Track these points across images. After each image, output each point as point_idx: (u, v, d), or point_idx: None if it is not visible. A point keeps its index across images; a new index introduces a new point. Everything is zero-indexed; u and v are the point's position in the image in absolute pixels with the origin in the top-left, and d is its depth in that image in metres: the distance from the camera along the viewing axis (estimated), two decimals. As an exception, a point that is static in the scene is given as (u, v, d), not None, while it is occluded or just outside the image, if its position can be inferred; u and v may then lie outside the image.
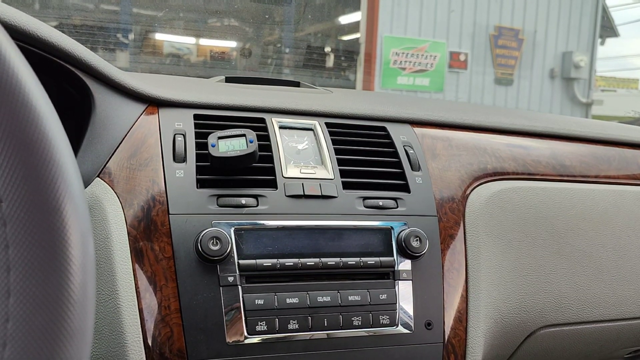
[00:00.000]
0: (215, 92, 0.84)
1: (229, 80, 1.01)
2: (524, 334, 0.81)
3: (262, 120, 0.79)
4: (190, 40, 6.95)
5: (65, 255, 0.31)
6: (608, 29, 7.71)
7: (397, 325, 0.70)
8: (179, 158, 0.71)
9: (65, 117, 0.74)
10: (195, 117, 0.77)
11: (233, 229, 0.67)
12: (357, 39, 6.97)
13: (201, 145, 0.73)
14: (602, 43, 7.74)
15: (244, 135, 0.71)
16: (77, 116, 0.78)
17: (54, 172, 0.31)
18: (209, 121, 0.77)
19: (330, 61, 7.04)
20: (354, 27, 6.84)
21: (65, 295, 0.31)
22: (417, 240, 0.72)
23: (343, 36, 7.21)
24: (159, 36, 6.71)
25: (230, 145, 0.71)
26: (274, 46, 7.06)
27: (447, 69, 6.60)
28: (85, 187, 0.68)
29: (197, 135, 0.74)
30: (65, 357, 0.31)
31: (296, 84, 1.05)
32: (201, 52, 6.97)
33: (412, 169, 0.80)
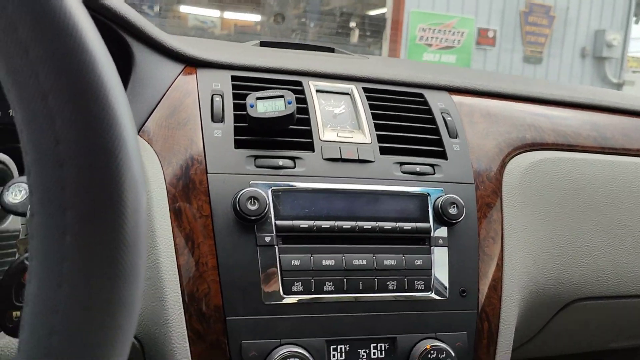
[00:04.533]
0: (253, 54, 0.84)
1: (263, 44, 1.00)
2: (558, 306, 0.80)
3: (299, 84, 0.78)
4: (214, 13, 6.92)
5: (120, 197, 0.31)
6: (644, 7, 7.47)
7: (432, 291, 0.69)
8: (217, 118, 0.71)
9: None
10: (233, 78, 0.76)
11: (270, 189, 0.67)
12: (384, 14, 6.86)
13: (239, 106, 0.73)
14: (637, 22, 7.50)
15: (282, 96, 0.71)
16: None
17: (110, 115, 0.31)
18: (246, 82, 0.76)
19: (354, 36, 6.96)
20: (380, 2, 6.74)
21: (119, 236, 0.31)
22: (454, 207, 0.71)
23: (369, 11, 7.11)
24: (183, 9, 6.71)
25: (269, 106, 0.70)
26: (298, 20, 6.99)
27: (475, 45, 6.48)
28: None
29: (235, 97, 0.74)
30: (119, 295, 0.31)
31: (331, 50, 1.04)
32: (225, 25, 6.95)
33: (450, 136, 0.79)
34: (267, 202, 0.65)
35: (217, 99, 0.73)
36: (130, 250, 0.31)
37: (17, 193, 0.53)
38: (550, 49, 6.78)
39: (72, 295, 0.30)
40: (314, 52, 1.00)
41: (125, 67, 0.74)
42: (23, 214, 0.52)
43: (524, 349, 0.89)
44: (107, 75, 0.32)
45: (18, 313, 0.52)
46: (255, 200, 0.65)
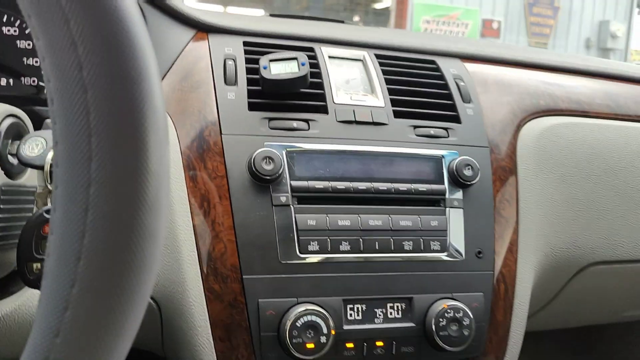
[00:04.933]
0: (264, 21, 0.83)
1: (273, 16, 1.00)
2: (573, 270, 0.80)
3: (311, 50, 0.78)
4: (218, 8, 6.92)
5: (143, 125, 0.31)
6: (648, -3, 7.44)
7: (448, 252, 0.69)
8: (230, 81, 0.71)
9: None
10: (245, 44, 0.76)
11: (285, 150, 0.67)
12: (387, 7, 6.85)
13: (251, 70, 0.72)
14: (641, 12, 7.46)
15: (295, 58, 0.71)
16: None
17: (133, 43, 0.31)
18: (258, 48, 0.76)
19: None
20: (384, -6, 6.72)
21: (143, 163, 0.30)
22: (469, 168, 0.71)
23: (373, 4, 7.10)
24: (187, 2, 6.71)
25: (282, 68, 0.70)
26: (302, 14, 6.99)
27: (479, 37, 6.46)
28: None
29: (247, 61, 0.74)
30: (144, 224, 0.31)
31: (340, 22, 1.04)
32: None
33: (464, 101, 0.78)
34: (282, 162, 0.65)
35: (229, 62, 0.73)
36: (154, 177, 0.31)
37: (33, 147, 0.53)
38: (555, 40, 6.76)
39: (97, 221, 0.30)
40: (325, 21, 1.00)
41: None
42: (40, 167, 0.52)
43: (540, 317, 0.89)
44: (131, 5, 0.31)
45: (39, 265, 0.52)
46: (271, 160, 0.64)
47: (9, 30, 0.75)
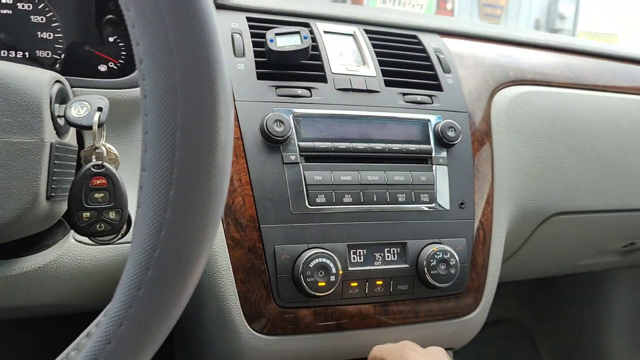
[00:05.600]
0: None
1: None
2: (540, 219, 0.91)
3: (307, 25, 0.86)
4: None
5: (216, 83, 0.38)
6: (594, -21, 7.71)
7: (435, 203, 0.79)
8: (239, 53, 0.78)
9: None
10: (248, 19, 0.83)
11: (292, 114, 0.75)
12: (344, -14, 6.88)
13: (257, 44, 0.80)
14: (588, -7, 7.73)
15: (298, 32, 0.78)
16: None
17: (206, 14, 0.38)
18: (260, 23, 0.83)
19: None
20: (341, -26, 6.76)
21: (216, 110, 0.38)
22: (452, 130, 0.80)
23: (330, -17, 7.12)
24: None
25: (287, 40, 0.77)
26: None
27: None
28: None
29: (252, 35, 0.81)
30: (219, 161, 0.38)
31: None
32: None
33: (444, 71, 0.88)
34: (291, 125, 0.73)
35: (237, 36, 0.80)
36: (225, 123, 0.39)
37: (79, 109, 0.59)
38: (507, 21, 6.97)
39: (183, 158, 0.37)
40: None
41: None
42: (88, 127, 0.58)
43: (507, 267, 1.00)
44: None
45: (88, 214, 0.59)
46: (281, 123, 0.72)
47: (23, 6, 0.79)
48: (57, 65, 0.80)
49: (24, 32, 0.79)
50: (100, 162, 0.59)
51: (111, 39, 0.81)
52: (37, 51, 0.80)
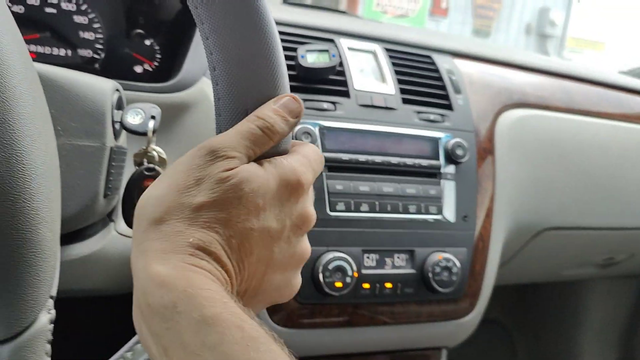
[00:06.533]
0: (288, 12, 0.96)
1: (286, 2, 1.13)
2: (533, 232, 1.00)
3: (332, 41, 0.92)
4: None
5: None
6: (586, -12, 7.83)
7: (442, 215, 0.86)
8: (271, 66, 0.84)
9: (179, 27, 0.86)
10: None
11: (318, 127, 0.81)
12: (341, -23, 6.90)
13: (286, 57, 0.86)
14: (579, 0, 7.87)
15: (327, 50, 0.85)
16: (188, 25, 0.89)
17: None
18: (287, 37, 0.89)
19: (307, 2, 6.99)
20: (339, -35, 6.77)
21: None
22: (460, 148, 0.88)
23: (328, -26, 7.13)
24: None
25: (317, 57, 0.84)
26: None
27: (428, 15, 6.67)
28: (193, 85, 0.81)
29: (284, 48, 0.86)
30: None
31: (343, 12, 1.17)
32: None
33: (455, 92, 0.95)
34: (317, 136, 0.80)
35: (269, 49, 0.85)
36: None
37: (134, 116, 0.65)
38: (499, 24, 7.08)
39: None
40: (333, 12, 1.13)
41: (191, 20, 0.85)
42: (142, 134, 0.64)
43: (499, 274, 1.09)
44: None
45: (139, 212, 0.65)
46: (308, 135, 0.79)
47: (67, 6, 0.84)
48: (96, 65, 0.86)
49: (67, 32, 0.84)
50: (152, 166, 0.65)
51: (147, 42, 0.86)
52: (79, 50, 0.85)
